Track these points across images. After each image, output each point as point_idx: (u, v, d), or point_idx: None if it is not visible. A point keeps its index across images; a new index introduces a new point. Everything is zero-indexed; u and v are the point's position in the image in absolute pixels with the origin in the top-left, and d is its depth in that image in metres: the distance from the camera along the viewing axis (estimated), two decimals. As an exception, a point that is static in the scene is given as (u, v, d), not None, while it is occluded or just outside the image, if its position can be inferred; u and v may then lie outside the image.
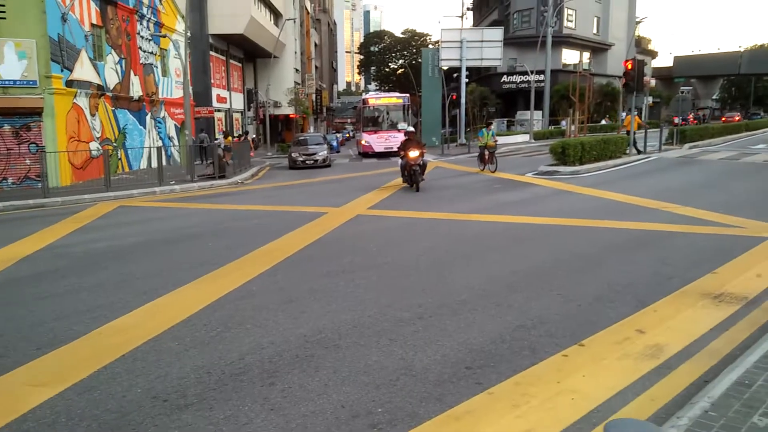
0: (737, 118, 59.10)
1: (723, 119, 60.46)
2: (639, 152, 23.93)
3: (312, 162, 26.58)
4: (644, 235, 9.27)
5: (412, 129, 18.66)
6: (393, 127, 31.17)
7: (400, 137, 21.55)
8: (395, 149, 21.96)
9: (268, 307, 6.28)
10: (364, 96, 37.43)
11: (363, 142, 32.73)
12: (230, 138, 31.24)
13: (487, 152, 20.64)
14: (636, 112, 24.39)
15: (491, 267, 7.67)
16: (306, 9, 61.48)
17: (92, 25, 22.01)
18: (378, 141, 31.84)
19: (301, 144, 28.81)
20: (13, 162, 19.16)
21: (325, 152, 27.30)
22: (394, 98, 34.07)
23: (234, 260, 8.45)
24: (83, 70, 21.08)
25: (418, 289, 6.73)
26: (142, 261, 8.86)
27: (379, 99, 34.61)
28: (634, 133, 24.16)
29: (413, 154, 15.85)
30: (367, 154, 32.50)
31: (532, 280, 7.01)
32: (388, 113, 33.23)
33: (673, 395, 3.97)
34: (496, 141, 21.38)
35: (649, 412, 3.76)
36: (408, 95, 34.64)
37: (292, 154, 27.04)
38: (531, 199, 13.83)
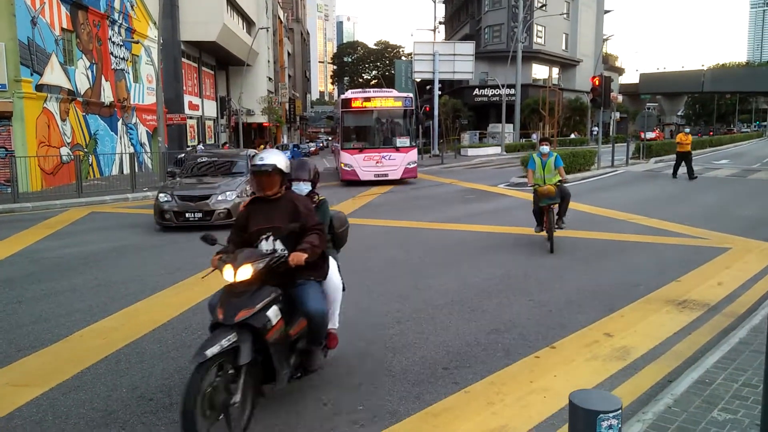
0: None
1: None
2: (693, 177, 19.56)
3: (197, 218, 12.12)
4: (612, 245, 9.60)
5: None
6: (388, 143, 20.81)
7: (400, 159, 20.58)
8: (391, 177, 20.33)
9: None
10: (345, 94, 23.22)
11: (343, 165, 20.81)
12: (262, 146, 30.60)
13: (548, 203, 9.51)
14: (688, 130, 21.52)
15: (466, 274, 7.88)
16: (279, 18, 61.60)
17: (63, 29, 21.81)
18: (365, 164, 20.42)
19: (192, 175, 13.85)
20: (-20, 166, 18.80)
21: (234, 196, 12.34)
22: (391, 99, 20.99)
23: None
24: (53, 75, 20.85)
25: (395, 295, 6.89)
26: (118, 266, 8.85)
27: (368, 99, 20.96)
28: (690, 156, 19.79)
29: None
30: (350, 182, 20.91)
31: (505, 286, 7.23)
32: (381, 121, 21.38)
33: (639, 393, 4.20)
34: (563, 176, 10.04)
35: (616, 409, 3.97)
36: (411, 95, 21.62)
37: (161, 198, 12.42)
38: (502, 210, 14.14)
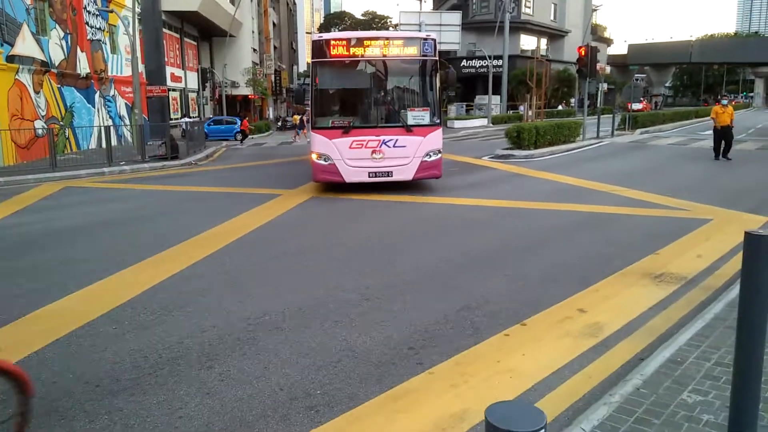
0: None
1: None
2: (728, 158, 16.93)
3: None
4: (591, 217, 9.42)
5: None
6: (393, 119, 12.22)
7: (413, 146, 11.68)
8: (397, 176, 11.81)
9: (213, 291, 6.15)
10: (318, 36, 11.94)
11: (316, 156, 12.03)
12: (296, 117, 30.56)
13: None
14: (727, 101, 17.78)
15: (442, 249, 7.67)
16: (264, -12, 60.19)
17: (34, -3, 21.07)
18: (353, 155, 11.84)
19: None
20: (-50, 141, 18.25)
21: None
22: (399, 43, 11.99)
23: (180, 243, 8.23)
24: (25, 45, 20.17)
25: (367, 271, 6.68)
26: (84, 244, 8.56)
27: (359, 42, 11.84)
28: (730, 129, 16.82)
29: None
30: (331, 184, 12.55)
31: (481, 261, 7.04)
32: (381, 82, 12.50)
33: (609, 373, 4.03)
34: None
35: (584, 390, 3.80)
36: (433, 37, 12.17)
37: None
38: (485, 182, 13.92)
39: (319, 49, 11.74)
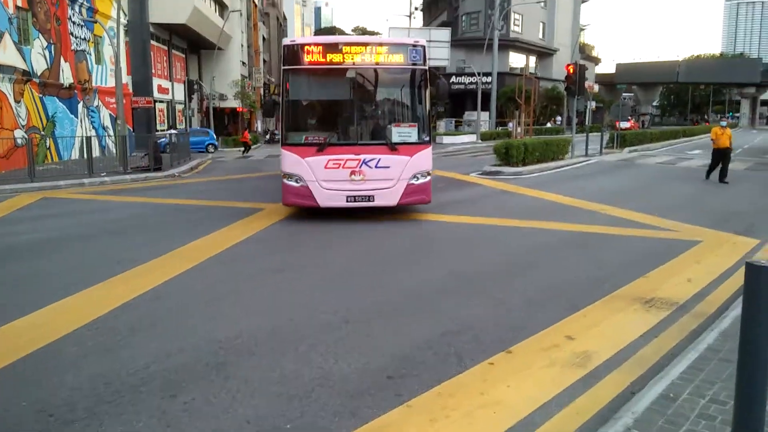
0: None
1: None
2: (725, 181, 16.01)
3: None
4: (579, 237, 9.24)
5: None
6: (376, 135, 10.72)
7: (398, 167, 10.22)
8: (380, 202, 10.36)
9: (185, 310, 5.86)
10: (290, 40, 10.53)
11: (287, 177, 10.44)
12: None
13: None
14: (726, 123, 17.31)
15: (425, 269, 7.44)
16: (253, 2, 60.22)
17: (17, 7, 20.76)
18: (330, 176, 10.21)
19: None
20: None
21: None
22: (384, 49, 10.40)
23: (156, 258, 7.94)
24: (6, 54, 19.84)
25: (348, 292, 6.43)
26: (57, 257, 8.25)
27: (336, 48, 10.30)
28: (730, 151, 16.27)
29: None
30: (302, 210, 11.21)
31: (465, 283, 6.81)
32: (363, 93, 10.82)
33: (599, 408, 3.79)
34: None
35: (572, 428, 3.56)
36: (422, 43, 10.56)
37: None
38: (472, 199, 13.74)
39: (292, 54, 10.24)
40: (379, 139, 10.52)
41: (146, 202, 13.76)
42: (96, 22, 25.82)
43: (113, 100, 28.17)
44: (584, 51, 72.22)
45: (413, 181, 10.45)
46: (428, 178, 10.70)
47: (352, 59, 10.21)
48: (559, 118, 54.95)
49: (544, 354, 4.68)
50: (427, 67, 10.44)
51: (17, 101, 20.58)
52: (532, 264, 7.64)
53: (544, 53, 60.94)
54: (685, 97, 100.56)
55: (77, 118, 25.47)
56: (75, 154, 24.60)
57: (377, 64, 10.35)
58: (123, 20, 25.83)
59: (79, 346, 4.95)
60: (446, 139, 39.33)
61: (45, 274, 7.29)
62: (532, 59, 60.44)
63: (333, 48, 10.25)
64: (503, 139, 26.78)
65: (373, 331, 5.22)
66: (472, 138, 40.74)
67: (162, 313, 5.76)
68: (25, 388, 4.18)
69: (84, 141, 23.44)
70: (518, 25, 56.85)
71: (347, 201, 10.31)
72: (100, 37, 27.85)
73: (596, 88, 68.76)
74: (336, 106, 11.11)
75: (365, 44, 10.47)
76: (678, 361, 4.20)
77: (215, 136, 36.68)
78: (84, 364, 4.58)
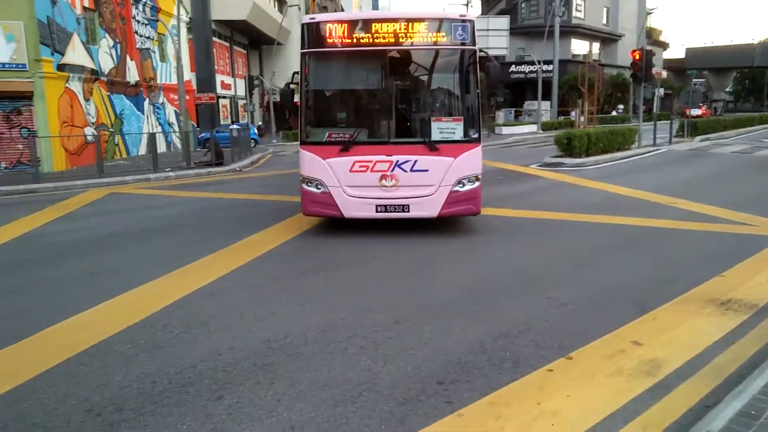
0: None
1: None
2: None
3: None
4: (647, 233, 8.73)
5: None
6: (411, 131, 9.00)
7: (439, 170, 8.52)
8: (416, 213, 8.69)
9: (236, 307, 5.82)
10: (310, 18, 8.79)
11: (306, 182, 8.85)
12: None
13: None
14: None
15: (481, 265, 7.19)
16: (312, -5, 60.68)
17: (84, 8, 21.54)
18: (356, 181, 8.61)
19: None
20: (5, 146, 18.77)
21: None
22: (423, 25, 8.50)
23: (211, 253, 7.98)
24: (75, 54, 20.62)
25: (400, 290, 6.25)
26: (117, 253, 8.43)
27: (366, 24, 8.55)
28: None
29: None
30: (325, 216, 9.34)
31: (524, 280, 6.51)
32: (398, 80, 9.09)
33: (669, 423, 3.47)
34: None
35: (639, 445, 3.27)
36: (471, 18, 8.71)
37: None
38: (532, 192, 13.30)
39: (312, 35, 8.58)
40: (415, 137, 8.74)
41: (206, 197, 13.98)
42: (158, 21, 26.55)
43: (177, 97, 28.98)
44: (651, 36, 69.33)
45: (458, 188, 8.56)
46: (477, 184, 8.73)
47: (384, 39, 8.41)
48: (621, 106, 52.87)
49: (609, 361, 4.36)
50: (476, 48, 8.52)
51: (87, 99, 21.39)
52: (595, 261, 7.25)
53: (608, 39, 58.81)
54: (761, 81, 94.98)
55: (143, 114, 26.31)
56: (142, 150, 25.40)
57: (414, 44, 8.53)
58: (185, 18, 26.47)
59: (132, 343, 4.97)
60: (505, 130, 38.54)
61: (103, 270, 7.43)
62: (596, 45, 58.43)
63: (360, 26, 8.50)
64: (565, 129, 25.94)
65: (424, 333, 5.03)
66: (533, 128, 39.77)
67: (214, 310, 5.73)
68: (75, 386, 4.20)
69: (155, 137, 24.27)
70: (580, 11, 55.04)
71: (377, 211, 8.62)
72: (164, 35, 28.63)
73: (664, 74, 65.89)
74: (364, 97, 9.35)
75: (399, 20, 8.41)
76: (760, 372, 3.81)
77: (255, 131, 37.01)
78: (134, 363, 4.59)
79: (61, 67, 19.61)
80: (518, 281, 6.49)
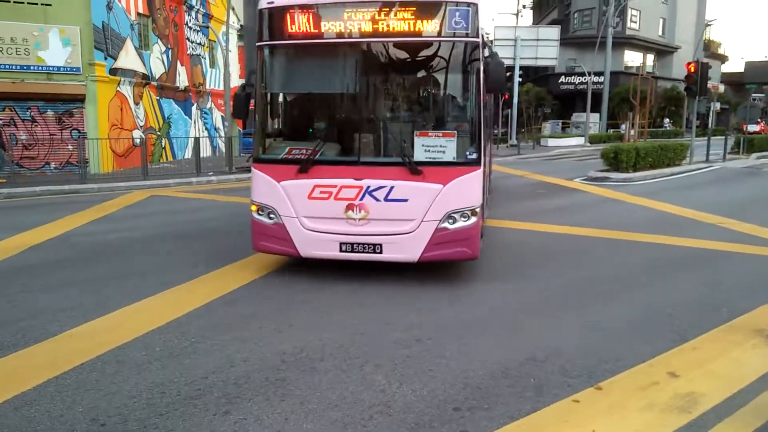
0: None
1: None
2: None
3: None
4: (694, 254, 8.26)
5: None
6: (387, 149, 6.91)
7: (421, 202, 6.52)
8: (389, 255, 6.68)
9: (256, 316, 5.72)
10: (266, 1, 6.73)
11: (256, 210, 7.07)
12: None
13: None
14: None
15: (511, 283, 6.89)
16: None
17: (138, 14, 22.10)
18: (314, 211, 6.75)
19: None
20: (55, 147, 19.35)
21: None
22: (409, 9, 6.43)
23: (241, 259, 7.93)
24: (128, 59, 21.16)
25: (424, 305, 6.03)
26: (149, 255, 8.47)
27: (337, 12, 6.56)
28: None
29: None
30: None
31: (558, 300, 6.21)
32: (373, 83, 7.02)
33: (703, 469, 3.16)
34: None
35: (667, 493, 2.97)
36: (474, 1, 6.40)
37: None
38: (574, 207, 12.85)
39: (269, 23, 6.82)
40: (393, 156, 6.69)
41: (244, 202, 14.02)
42: (209, 28, 27.11)
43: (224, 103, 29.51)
44: (709, 48, 67.13)
45: (447, 225, 6.51)
46: (473, 220, 6.57)
47: (359, 29, 6.50)
48: (667, 120, 51.16)
49: (641, 393, 4.05)
50: (479, 39, 6.51)
51: (136, 103, 21.92)
52: (635, 283, 6.86)
53: (663, 51, 57.13)
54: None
55: (191, 119, 26.83)
56: (188, 154, 25.86)
57: (397, 35, 6.51)
58: (236, 25, 26.92)
59: (147, 350, 4.91)
60: (551, 142, 37.81)
61: (131, 273, 7.44)
62: (650, 57, 56.83)
63: (329, 13, 6.60)
64: (614, 143, 25.19)
65: (444, 353, 4.80)
66: (580, 141, 38.85)
67: (233, 319, 5.64)
68: (84, 394, 4.14)
69: (200, 141, 24.73)
70: (635, 22, 53.67)
71: (341, 250, 6.72)
72: (214, 41, 29.19)
73: (721, 88, 63.67)
74: (331, 104, 7.67)
75: (379, 4, 6.49)
76: (809, 417, 3.45)
77: None
78: (146, 371, 4.51)
79: (113, 72, 20.15)
80: (552, 301, 6.19)
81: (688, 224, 10.46)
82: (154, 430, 3.66)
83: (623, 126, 41.71)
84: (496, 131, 35.55)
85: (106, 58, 19.71)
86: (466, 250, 6.66)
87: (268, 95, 7.35)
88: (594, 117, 42.78)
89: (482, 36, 6.72)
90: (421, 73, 7.43)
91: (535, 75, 53.91)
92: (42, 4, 18.27)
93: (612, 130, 43.79)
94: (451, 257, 6.83)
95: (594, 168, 19.64)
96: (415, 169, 6.45)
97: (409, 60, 7.04)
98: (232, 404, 3.96)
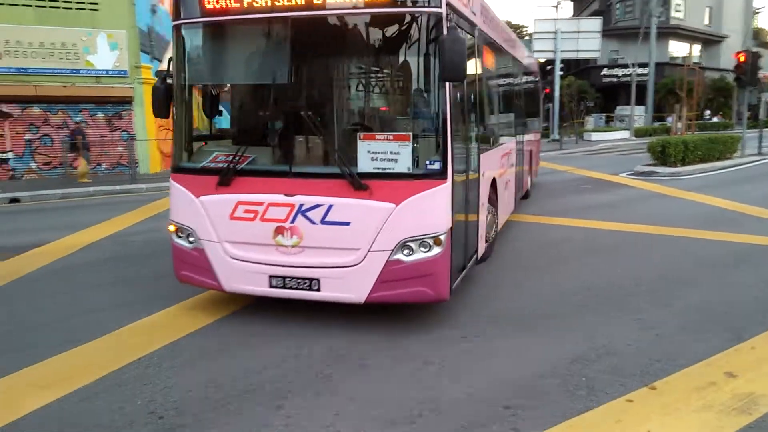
0: None
1: None
2: None
3: None
4: (750, 251, 8.00)
5: None
6: (326, 157, 5.45)
7: (365, 217, 4.93)
8: (324, 289, 5.11)
9: (314, 307, 5.74)
10: None
11: (175, 231, 5.75)
12: None
13: None
14: None
15: (562, 280, 6.80)
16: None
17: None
18: (238, 235, 5.32)
19: None
20: (106, 149, 19.96)
21: None
22: None
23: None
24: (173, 61, 21.66)
25: (474, 303, 6.00)
26: (197, 253, 8.65)
27: None
28: None
29: None
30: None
31: (607, 298, 6.10)
32: (309, 70, 5.57)
33: (766, 472, 3.08)
34: None
35: (729, 496, 2.90)
36: None
37: None
38: (621, 202, 12.59)
39: None
40: (333, 165, 5.23)
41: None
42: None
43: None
44: (759, 37, 64.69)
45: (401, 257, 4.97)
46: (437, 250, 4.95)
47: (293, 1, 5.01)
48: (708, 112, 49.46)
49: (697, 393, 3.95)
50: (442, 10, 4.83)
51: (181, 104, 22.42)
52: (688, 281, 6.69)
53: (710, 40, 55.38)
54: None
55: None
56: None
57: (339, 7, 5.05)
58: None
59: (201, 345, 5.04)
60: (595, 136, 37.13)
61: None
62: (696, 47, 55.16)
63: None
64: (660, 136, 24.58)
65: (496, 350, 4.78)
66: (625, 134, 38.05)
67: (288, 312, 5.66)
68: (142, 387, 4.27)
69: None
70: (680, 11, 52.15)
71: (271, 285, 5.30)
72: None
73: (774, 77, 61.32)
74: (258, 97, 6.20)
75: None
76: None
77: None
78: (201, 365, 4.63)
79: (159, 74, 20.62)
80: (603, 298, 6.08)
81: (740, 219, 10.14)
82: (209, 423, 3.75)
83: (669, 118, 40.67)
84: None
85: (151, 61, 20.21)
86: (426, 290, 5.01)
87: (186, 87, 5.73)
88: (639, 110, 41.81)
89: (454, 7, 5.18)
90: (370, 58, 5.81)
91: (576, 68, 52.94)
92: (90, 10, 18.85)
93: (658, 123, 42.71)
94: (407, 299, 5.13)
95: (640, 162, 19.19)
96: (358, 183, 4.93)
97: (356, 40, 5.45)
98: (285, 398, 4.03)
